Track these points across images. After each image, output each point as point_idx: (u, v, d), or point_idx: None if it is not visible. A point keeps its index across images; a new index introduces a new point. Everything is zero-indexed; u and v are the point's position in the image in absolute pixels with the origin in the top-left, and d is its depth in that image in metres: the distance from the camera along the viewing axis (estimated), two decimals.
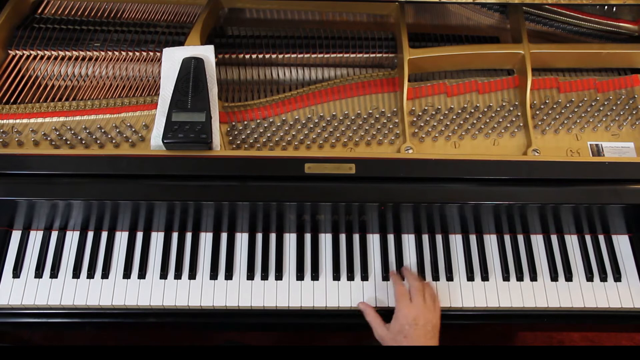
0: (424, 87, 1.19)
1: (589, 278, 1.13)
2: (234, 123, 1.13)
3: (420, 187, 1.04)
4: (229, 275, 1.10)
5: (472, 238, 1.17)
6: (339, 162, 1.03)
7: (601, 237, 1.18)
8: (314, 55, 1.22)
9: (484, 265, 1.13)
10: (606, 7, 1.29)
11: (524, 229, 1.16)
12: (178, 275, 1.09)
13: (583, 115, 1.18)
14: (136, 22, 1.26)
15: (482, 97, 1.19)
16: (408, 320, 0.99)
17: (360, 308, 1.07)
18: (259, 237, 1.14)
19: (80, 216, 1.09)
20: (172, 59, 1.12)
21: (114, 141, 1.09)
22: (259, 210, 1.07)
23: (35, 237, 1.12)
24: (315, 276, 1.10)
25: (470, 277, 1.12)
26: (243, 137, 1.12)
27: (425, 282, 1.09)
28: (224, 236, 1.14)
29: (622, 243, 1.17)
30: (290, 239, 1.14)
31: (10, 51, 1.18)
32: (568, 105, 1.18)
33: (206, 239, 1.14)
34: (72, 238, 1.13)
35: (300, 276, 1.10)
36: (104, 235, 1.13)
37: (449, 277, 1.12)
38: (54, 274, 1.08)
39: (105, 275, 1.09)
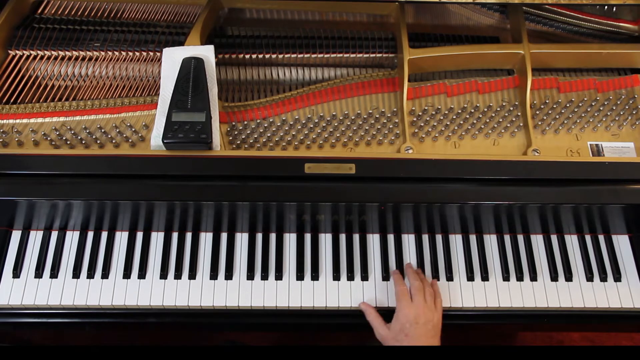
0: (424, 87, 1.19)
1: (589, 278, 1.13)
2: (234, 123, 1.13)
3: (420, 187, 1.04)
4: (229, 275, 1.10)
5: (472, 238, 1.17)
6: (339, 162, 1.03)
7: (601, 237, 1.18)
8: (314, 55, 1.22)
9: (484, 265, 1.13)
10: (606, 7, 1.29)
11: (524, 229, 1.16)
12: (178, 275, 1.09)
13: (583, 115, 1.18)
14: (136, 22, 1.26)
15: (482, 97, 1.19)
16: (409, 319, 0.99)
17: (361, 308, 1.07)
18: (259, 237, 1.14)
19: (80, 216, 1.09)
20: (172, 59, 1.12)
21: (114, 141, 1.09)
22: (259, 210, 1.07)
23: (35, 237, 1.12)
24: (315, 276, 1.10)
25: (470, 277, 1.12)
26: (243, 137, 1.12)
27: (427, 280, 1.08)
28: (224, 236, 1.14)
29: (622, 243, 1.17)
30: (290, 239, 1.14)
31: (10, 51, 1.18)
32: (568, 105, 1.18)
33: (206, 239, 1.14)
34: (72, 238, 1.13)
35: (300, 276, 1.10)
36: (104, 235, 1.13)
37: (449, 277, 1.12)
38: (54, 274, 1.08)
39: (105, 275, 1.09)
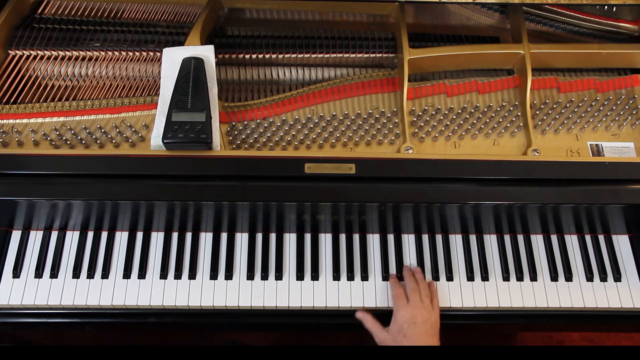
0: (424, 87, 1.19)
1: (589, 278, 1.13)
2: (234, 123, 1.13)
3: (420, 187, 1.04)
4: (229, 275, 1.10)
5: (472, 238, 1.17)
6: (339, 162, 1.03)
7: (601, 237, 1.18)
8: (314, 55, 1.22)
9: (484, 265, 1.13)
10: (606, 7, 1.29)
11: (524, 229, 1.16)
12: (178, 275, 1.09)
13: (583, 115, 1.18)
14: (136, 22, 1.26)
15: (482, 97, 1.19)
16: (406, 319, 0.99)
17: (358, 317, 1.07)
18: (259, 237, 1.14)
19: (80, 216, 1.09)
20: (172, 59, 1.12)
21: (114, 141, 1.09)
22: (259, 210, 1.07)
23: (35, 237, 1.12)
24: (315, 276, 1.10)
25: (470, 277, 1.12)
26: (243, 137, 1.12)
27: (423, 281, 1.08)
28: (224, 236, 1.14)
29: (622, 243, 1.17)
30: (290, 239, 1.14)
31: (10, 51, 1.18)
32: (568, 105, 1.18)
33: (206, 239, 1.14)
34: (72, 238, 1.13)
35: (300, 276, 1.10)
36: (104, 235, 1.13)
37: (449, 277, 1.12)
38: (54, 274, 1.08)
39: (105, 275, 1.09)
